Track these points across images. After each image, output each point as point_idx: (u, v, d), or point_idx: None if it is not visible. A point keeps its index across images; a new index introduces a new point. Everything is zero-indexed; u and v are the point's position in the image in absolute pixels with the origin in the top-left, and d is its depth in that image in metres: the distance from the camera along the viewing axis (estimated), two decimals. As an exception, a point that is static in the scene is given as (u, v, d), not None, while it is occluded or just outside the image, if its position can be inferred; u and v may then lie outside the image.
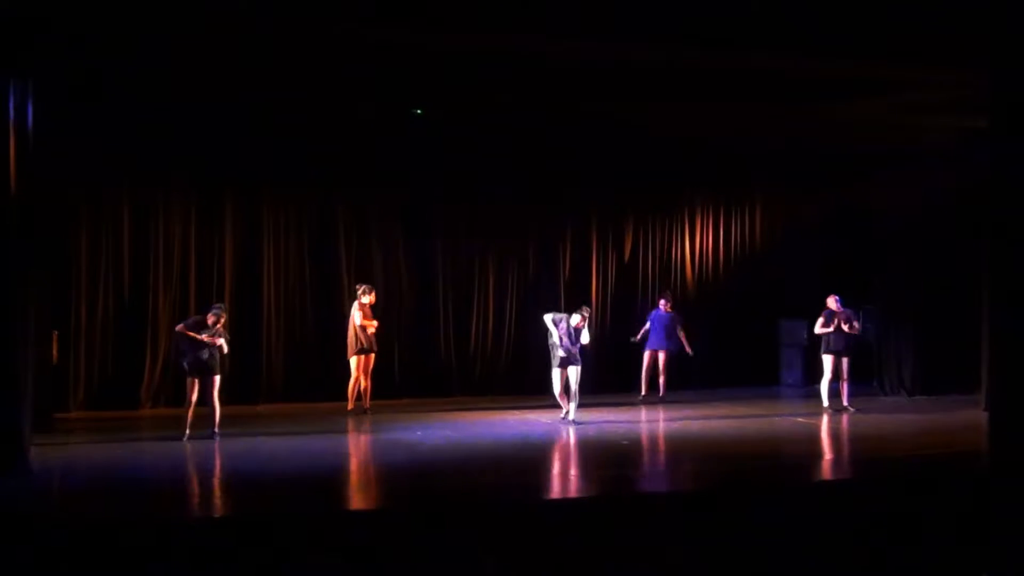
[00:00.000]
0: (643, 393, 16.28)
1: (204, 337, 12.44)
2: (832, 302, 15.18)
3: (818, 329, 15.25)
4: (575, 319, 13.87)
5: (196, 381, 12.45)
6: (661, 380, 16.38)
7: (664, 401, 16.01)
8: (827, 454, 12.65)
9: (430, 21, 9.94)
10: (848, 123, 14.90)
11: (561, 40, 10.65)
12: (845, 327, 15.03)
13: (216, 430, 12.42)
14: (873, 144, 16.28)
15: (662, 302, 16.62)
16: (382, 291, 16.53)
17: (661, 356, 16.35)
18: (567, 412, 13.91)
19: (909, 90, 12.99)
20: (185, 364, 12.59)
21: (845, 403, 15.14)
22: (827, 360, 15.15)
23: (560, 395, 14.03)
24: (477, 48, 11.26)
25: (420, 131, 15.53)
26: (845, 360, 15.16)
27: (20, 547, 7.86)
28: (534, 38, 10.54)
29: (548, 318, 14.00)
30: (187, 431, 12.33)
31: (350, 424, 14.16)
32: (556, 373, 13.95)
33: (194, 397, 12.44)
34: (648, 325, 16.46)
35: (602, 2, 10.09)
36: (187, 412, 12.44)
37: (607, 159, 17.26)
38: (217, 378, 12.57)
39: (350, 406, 14.96)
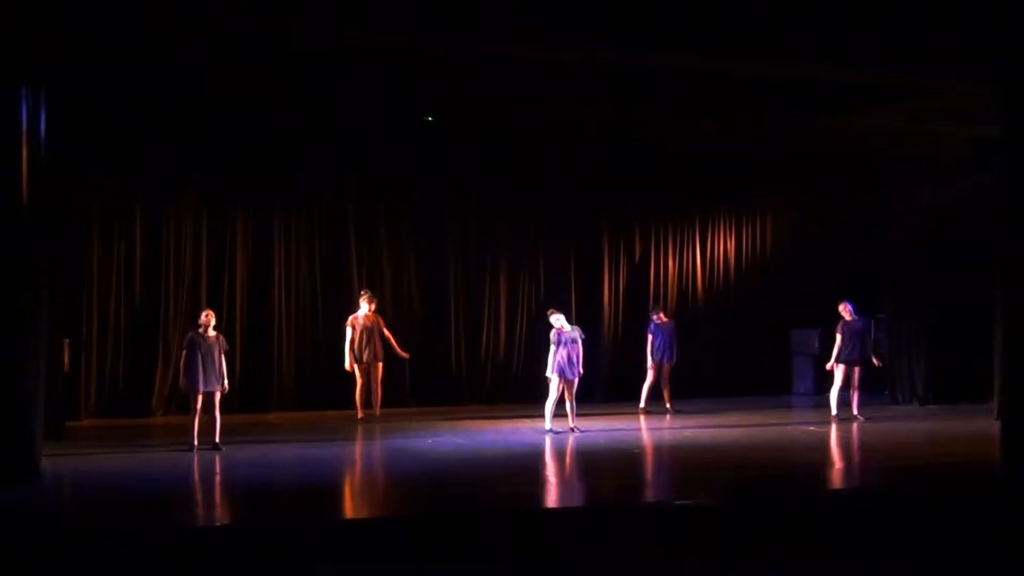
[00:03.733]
0: (643, 405, 16.06)
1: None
2: (844, 311, 15.13)
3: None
4: (561, 322, 13.66)
5: (200, 394, 12.30)
6: (666, 392, 16.13)
7: (675, 411, 15.92)
8: (839, 463, 12.60)
9: (439, 28, 9.95)
10: (860, 132, 14.87)
11: (570, 48, 10.65)
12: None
13: (217, 441, 12.27)
14: (884, 152, 16.26)
15: (656, 317, 16.25)
16: (392, 299, 16.58)
17: (666, 368, 16.11)
18: (550, 426, 13.69)
19: (920, 98, 12.97)
20: (187, 379, 12.36)
21: (855, 412, 15.08)
22: (837, 369, 15.10)
23: (553, 407, 13.74)
24: (485, 55, 11.26)
25: (431, 138, 15.55)
26: (856, 369, 15.09)
27: (31, 554, 7.87)
28: (540, 46, 10.54)
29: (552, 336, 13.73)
30: (195, 443, 12.24)
31: (360, 432, 14.16)
32: (555, 383, 13.67)
33: (199, 407, 12.32)
34: (652, 338, 16.06)
35: (612, 10, 10.08)
36: (192, 424, 12.30)
37: (618, 167, 17.25)
38: (218, 391, 12.37)
39: (360, 414, 14.96)
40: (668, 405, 16.04)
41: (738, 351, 18.42)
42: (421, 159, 16.25)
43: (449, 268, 17.20)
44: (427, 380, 16.89)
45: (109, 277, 15.33)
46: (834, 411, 15.07)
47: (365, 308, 15.03)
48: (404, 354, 15.30)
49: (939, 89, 12.52)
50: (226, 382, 12.40)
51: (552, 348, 13.59)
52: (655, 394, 16.13)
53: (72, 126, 12.53)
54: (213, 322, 12.43)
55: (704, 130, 15.29)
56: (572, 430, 13.67)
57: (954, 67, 11.11)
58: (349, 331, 14.96)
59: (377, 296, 15.53)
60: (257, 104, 13.73)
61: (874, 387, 17.45)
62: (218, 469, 11.42)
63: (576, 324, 14.10)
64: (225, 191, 15.95)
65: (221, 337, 12.53)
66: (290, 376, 16.23)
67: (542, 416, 13.79)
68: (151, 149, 14.96)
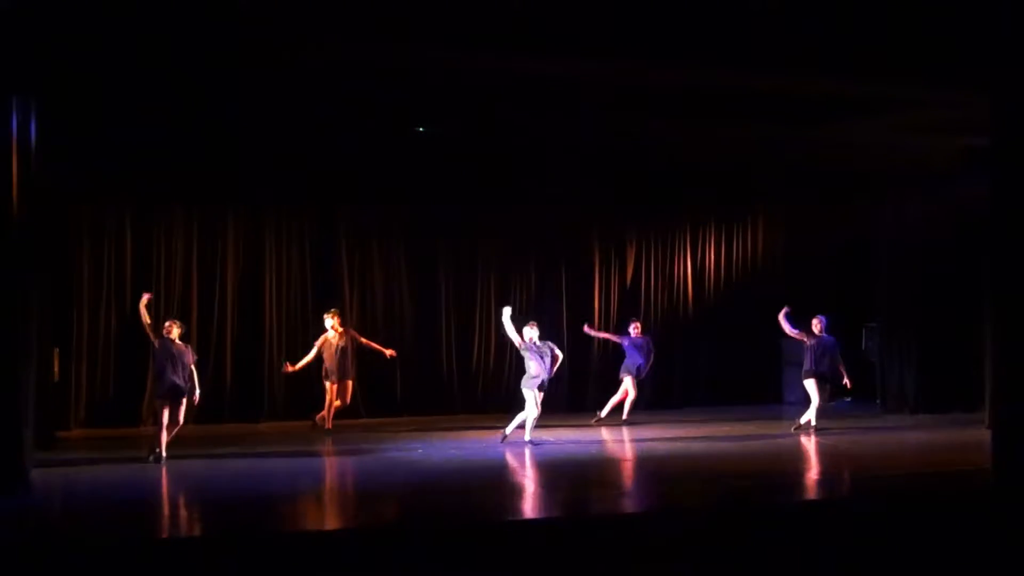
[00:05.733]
0: (602, 415, 15.72)
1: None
2: (815, 326, 15.01)
3: (789, 329, 15.01)
4: (533, 334, 13.50)
5: (168, 405, 12.17)
6: (629, 403, 15.78)
7: (665, 420, 15.87)
8: (829, 473, 12.58)
9: (432, 40, 9.95)
10: (851, 143, 14.89)
11: (562, 61, 10.66)
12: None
13: (161, 451, 12.08)
14: (875, 163, 16.28)
15: (634, 327, 16.03)
16: (383, 309, 16.53)
17: (633, 380, 15.78)
18: (507, 434, 13.58)
19: (910, 110, 13.01)
20: (159, 387, 12.30)
21: (802, 420, 14.84)
22: (810, 385, 14.93)
23: (535, 419, 13.55)
24: (475, 67, 11.27)
25: (422, 149, 15.52)
26: (827, 384, 14.98)
27: (21, 566, 7.84)
28: (533, 58, 10.55)
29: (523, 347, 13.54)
30: (163, 453, 12.07)
31: (351, 443, 14.10)
32: (536, 396, 13.51)
33: (165, 420, 12.14)
34: (630, 352, 15.79)
35: (604, 23, 10.10)
36: (160, 435, 12.12)
37: (609, 177, 17.24)
38: (184, 401, 12.25)
39: (316, 419, 14.91)
40: (625, 417, 15.76)
41: (728, 361, 18.42)
42: (412, 169, 16.22)
43: (440, 278, 17.20)
44: (418, 389, 16.88)
45: (99, 287, 15.31)
46: (802, 420, 14.97)
47: (330, 324, 14.81)
48: (390, 352, 15.17)
49: (930, 100, 12.57)
50: (196, 392, 12.30)
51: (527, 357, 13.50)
52: (617, 406, 15.87)
53: (62, 135, 12.51)
54: (176, 331, 12.31)
55: (696, 142, 15.28)
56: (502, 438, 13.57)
57: (946, 78, 11.14)
58: (314, 351, 14.70)
59: (364, 306, 15.44)
60: (248, 114, 13.69)
61: (865, 396, 17.50)
62: (208, 480, 11.39)
63: (567, 331, 14.07)
64: (215, 201, 15.93)
65: (190, 347, 12.45)
66: (280, 386, 16.18)
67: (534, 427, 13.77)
68: (141, 159, 14.89)
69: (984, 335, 14.68)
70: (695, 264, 18.79)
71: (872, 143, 14.92)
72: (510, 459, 12.70)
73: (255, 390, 15.96)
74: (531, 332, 13.57)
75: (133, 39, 9.94)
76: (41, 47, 9.97)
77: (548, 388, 13.70)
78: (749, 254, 19.15)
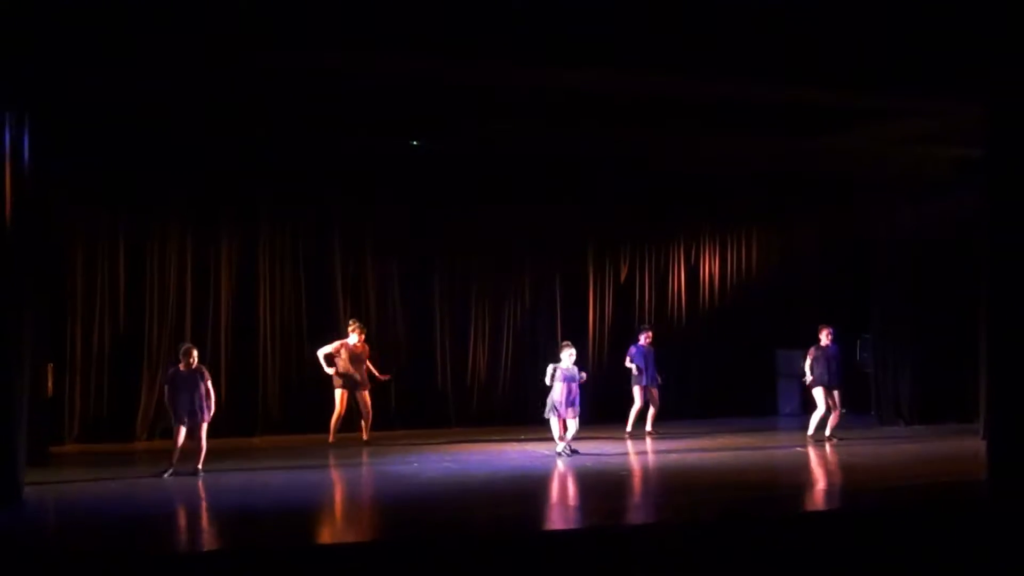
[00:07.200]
0: (629, 429, 15.85)
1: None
2: (824, 336, 15.04)
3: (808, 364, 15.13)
4: (569, 359, 13.52)
5: (183, 427, 12.19)
6: (652, 413, 15.96)
7: (660, 433, 15.85)
8: (825, 484, 12.58)
9: (425, 49, 9.96)
10: (845, 153, 14.92)
11: (561, 70, 10.67)
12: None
13: (200, 467, 12.18)
14: (870, 173, 16.31)
15: (644, 337, 16.11)
16: (377, 321, 16.51)
17: (655, 392, 15.97)
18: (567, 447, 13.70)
19: (905, 121, 13.04)
20: (173, 411, 12.29)
21: (827, 432, 14.98)
22: (818, 391, 15.02)
23: (562, 435, 13.65)
24: (473, 77, 11.28)
25: (416, 161, 15.53)
26: (836, 392, 15.00)
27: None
28: (532, 68, 10.56)
29: (549, 373, 13.57)
30: (172, 467, 12.12)
31: (346, 456, 14.05)
32: (556, 421, 13.61)
33: (181, 439, 12.18)
34: (635, 361, 15.89)
35: (603, 34, 10.12)
36: (175, 449, 12.20)
37: (604, 188, 17.26)
38: (202, 421, 12.25)
39: (331, 439, 14.80)
40: (649, 428, 15.93)
41: (723, 372, 18.40)
42: (407, 181, 16.24)
43: (434, 290, 17.17)
44: (413, 403, 16.84)
45: (93, 301, 15.26)
46: (811, 431, 15.00)
47: (355, 338, 14.89)
48: (382, 376, 15.22)
49: (924, 111, 12.60)
50: (204, 411, 12.22)
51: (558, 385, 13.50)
52: (640, 417, 16.01)
53: (56, 149, 12.50)
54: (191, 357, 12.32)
55: (691, 152, 15.31)
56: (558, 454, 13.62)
57: (942, 89, 11.17)
58: (332, 347, 14.73)
59: (362, 320, 15.37)
60: (242, 128, 13.70)
61: (860, 407, 17.47)
62: (203, 494, 11.34)
63: (562, 341, 14.09)
64: (209, 214, 15.90)
65: (200, 367, 12.35)
66: (275, 399, 16.15)
67: (527, 439, 13.71)
68: (135, 173, 14.92)
69: (979, 345, 14.68)
70: (689, 275, 18.77)
71: (867, 153, 14.95)
72: (506, 472, 12.66)
73: (250, 404, 15.92)
74: (567, 357, 13.54)
75: (129, 50, 9.95)
76: (33, 64, 9.96)
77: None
78: (743, 264, 19.15)
